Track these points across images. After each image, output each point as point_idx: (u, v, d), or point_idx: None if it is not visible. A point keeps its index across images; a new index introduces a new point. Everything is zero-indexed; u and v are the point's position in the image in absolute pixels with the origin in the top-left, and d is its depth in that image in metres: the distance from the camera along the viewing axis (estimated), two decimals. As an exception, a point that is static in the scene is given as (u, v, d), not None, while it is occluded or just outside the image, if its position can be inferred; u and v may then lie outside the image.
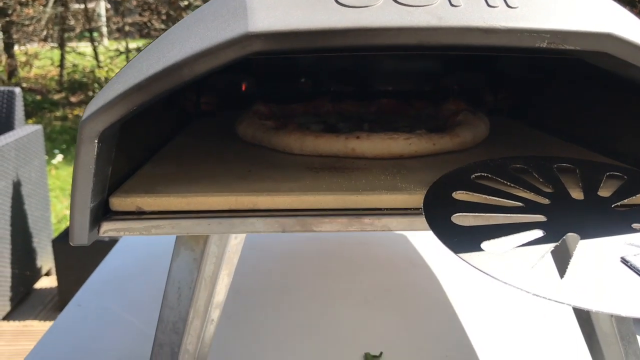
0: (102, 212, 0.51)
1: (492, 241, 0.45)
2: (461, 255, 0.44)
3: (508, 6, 0.45)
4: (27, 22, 6.55)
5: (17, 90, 3.53)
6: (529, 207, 0.51)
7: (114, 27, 7.05)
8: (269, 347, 0.78)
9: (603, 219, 0.50)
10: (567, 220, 0.49)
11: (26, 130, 3.41)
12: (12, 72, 6.75)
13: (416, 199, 0.52)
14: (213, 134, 0.80)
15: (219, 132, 0.81)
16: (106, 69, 3.49)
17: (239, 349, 0.77)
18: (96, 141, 0.45)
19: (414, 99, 0.90)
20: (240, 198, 0.52)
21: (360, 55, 1.04)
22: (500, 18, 0.44)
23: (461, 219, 0.48)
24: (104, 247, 3.37)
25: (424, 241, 1.13)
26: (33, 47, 7.07)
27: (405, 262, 1.04)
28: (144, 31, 6.87)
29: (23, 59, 6.96)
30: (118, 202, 0.51)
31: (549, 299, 0.40)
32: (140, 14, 6.82)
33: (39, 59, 6.98)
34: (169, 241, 1.12)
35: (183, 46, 0.44)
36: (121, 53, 7.06)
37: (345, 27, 0.43)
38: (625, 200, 0.52)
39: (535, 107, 0.89)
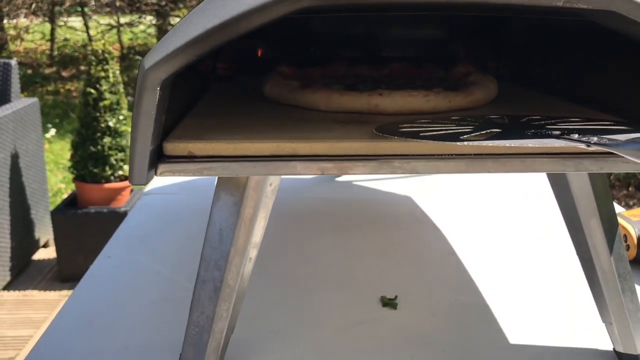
0: (157, 156, 0.56)
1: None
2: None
3: (528, -32, 0.50)
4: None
5: (13, 62, 3.52)
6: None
7: (104, 1, 7.00)
8: (290, 292, 0.84)
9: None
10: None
11: (23, 103, 3.42)
12: (2, 45, 6.70)
13: (439, 146, 0.57)
14: (236, 96, 0.85)
15: (240, 94, 0.86)
16: (103, 41, 3.48)
17: (260, 294, 0.83)
18: (158, 89, 0.50)
19: (424, 63, 0.96)
20: (281, 144, 0.57)
21: (371, 22, 1.09)
22: (522, -22, 0.49)
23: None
24: (100, 219, 3.42)
25: (429, 201, 1.19)
26: (23, 21, 7.01)
27: (411, 219, 1.10)
28: (135, 5, 6.84)
29: (13, 32, 6.90)
30: (172, 147, 0.56)
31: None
32: (131, -12, 6.78)
33: (30, 32, 6.93)
34: (183, 202, 1.17)
35: (238, 2, 0.49)
36: (112, 27, 7.03)
37: (385, -15, 0.48)
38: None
39: (536, 72, 0.94)
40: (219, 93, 0.88)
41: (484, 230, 1.08)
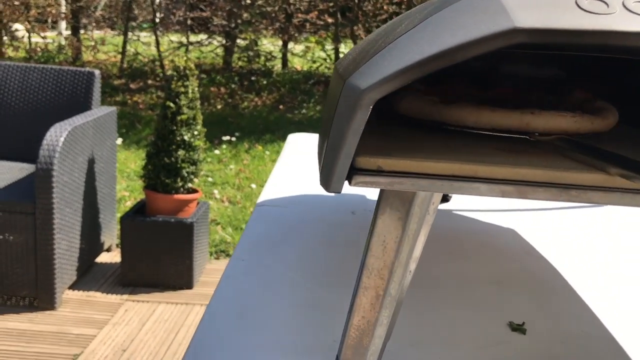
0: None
1: None
2: None
3: None
4: (93, 9, 6.80)
5: (97, 72, 3.69)
6: None
7: (174, 19, 7.27)
8: (424, 309, 0.88)
9: None
10: None
11: (103, 111, 3.58)
12: (77, 55, 7.01)
13: (611, 179, 0.60)
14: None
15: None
16: (185, 58, 3.62)
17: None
18: (371, 107, 0.55)
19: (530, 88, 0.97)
20: (463, 166, 0.61)
21: (487, 57, 1.13)
22: None
23: None
24: (166, 229, 3.51)
25: (534, 234, 1.21)
26: (98, 33, 7.34)
27: (519, 251, 1.13)
28: (205, 26, 7.09)
29: (87, 43, 7.21)
30: (364, 161, 0.61)
31: None
32: (201, 9, 7.03)
33: (105, 44, 7.23)
34: (294, 215, 1.22)
35: (454, 34, 0.54)
36: (182, 45, 7.29)
37: (594, 29, 0.52)
38: None
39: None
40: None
41: (599, 266, 1.10)
